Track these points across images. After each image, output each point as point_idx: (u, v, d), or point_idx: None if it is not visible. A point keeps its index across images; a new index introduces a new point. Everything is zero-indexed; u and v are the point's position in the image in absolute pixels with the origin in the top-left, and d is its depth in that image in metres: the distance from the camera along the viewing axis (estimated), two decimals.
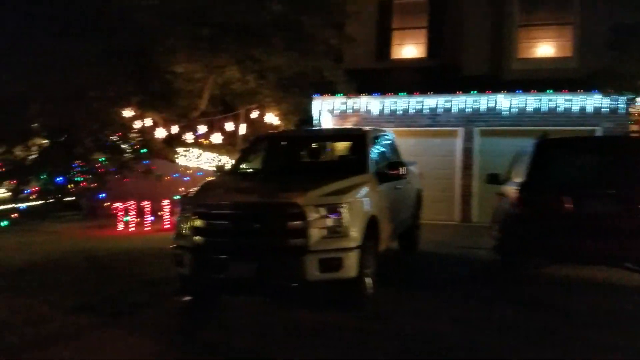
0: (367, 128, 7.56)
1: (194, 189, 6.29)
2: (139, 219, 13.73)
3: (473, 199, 13.75)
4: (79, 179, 11.30)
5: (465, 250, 10.19)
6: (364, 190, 6.02)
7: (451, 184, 13.91)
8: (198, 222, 5.77)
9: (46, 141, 11.12)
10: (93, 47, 9.72)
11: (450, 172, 13.91)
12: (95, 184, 12.14)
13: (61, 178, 10.86)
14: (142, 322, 5.74)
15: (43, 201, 14.36)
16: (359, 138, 7.03)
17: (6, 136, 10.61)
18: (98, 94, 10.20)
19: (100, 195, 12.93)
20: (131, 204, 13.84)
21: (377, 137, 7.40)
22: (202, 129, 12.61)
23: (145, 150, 12.87)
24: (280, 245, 5.44)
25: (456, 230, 13.02)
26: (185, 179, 14.16)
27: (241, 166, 7.30)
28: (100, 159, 12.47)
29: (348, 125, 13.98)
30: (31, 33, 9.90)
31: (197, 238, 5.77)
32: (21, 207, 11.91)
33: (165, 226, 13.46)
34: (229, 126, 12.73)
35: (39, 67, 9.63)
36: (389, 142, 8.15)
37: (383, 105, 14.06)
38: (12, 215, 11.74)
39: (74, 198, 16.06)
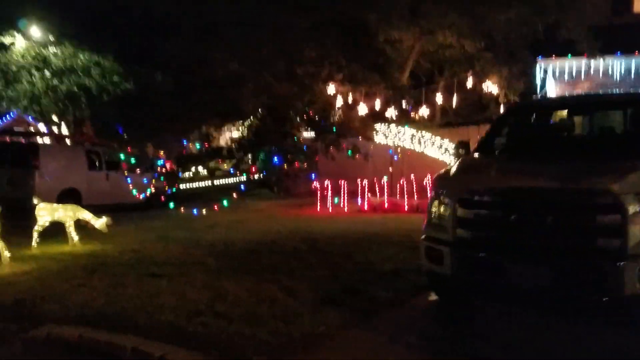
0: None
1: (449, 170, 5.21)
2: (336, 199, 13.38)
3: None
4: (295, 158, 11.17)
5: None
6: None
7: None
8: (463, 212, 4.69)
9: (254, 120, 11.25)
10: (304, 21, 9.31)
11: None
12: (306, 164, 11.97)
13: (277, 158, 10.82)
14: (392, 324, 4.93)
15: (245, 179, 14.91)
16: None
17: (223, 115, 10.89)
18: (308, 70, 9.83)
19: (312, 176, 12.79)
20: (329, 183, 13.55)
21: None
22: (399, 103, 11.69)
23: (334, 129, 12.38)
24: (584, 246, 4.11)
25: None
26: (395, 157, 13.40)
27: (494, 143, 6.02)
28: (294, 137, 12.32)
29: (579, 92, 11.76)
30: (244, 12, 9.84)
31: (460, 231, 4.71)
32: (241, 188, 12.27)
33: (364, 208, 12.93)
34: (438, 98, 11.59)
35: (252, 45, 9.54)
36: None
37: (627, 67, 11.52)
38: (233, 195, 12.15)
39: (261, 176, 16.53)
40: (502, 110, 11.68)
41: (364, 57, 9.82)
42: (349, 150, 12.95)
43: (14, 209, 9.74)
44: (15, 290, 5.84)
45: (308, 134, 12.28)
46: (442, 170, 5.29)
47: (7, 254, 7.16)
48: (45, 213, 8.41)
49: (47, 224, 8.44)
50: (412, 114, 11.32)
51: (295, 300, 5.42)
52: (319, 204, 13.34)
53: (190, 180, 20.39)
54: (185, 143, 13.65)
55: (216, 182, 23.10)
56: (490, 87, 11.00)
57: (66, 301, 5.41)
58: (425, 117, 11.11)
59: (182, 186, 18.35)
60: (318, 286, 5.95)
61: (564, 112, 6.32)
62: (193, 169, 15.24)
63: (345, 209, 13.02)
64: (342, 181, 13.42)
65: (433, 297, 5.61)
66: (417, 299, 5.69)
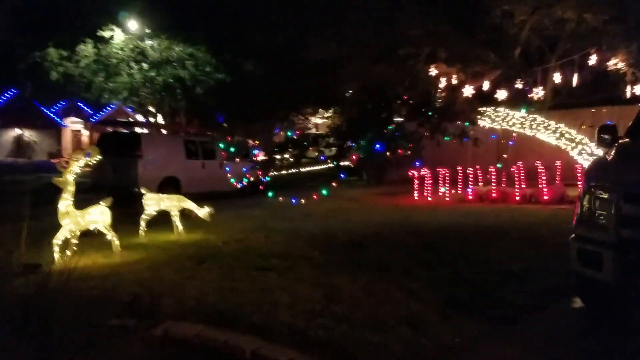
0: None
1: (604, 159, 4.42)
2: (443, 188, 12.53)
3: None
4: (398, 144, 10.57)
5: None
6: None
7: None
8: (630, 208, 3.93)
9: (351, 106, 10.77)
10: None
11: None
12: (410, 152, 11.32)
13: (379, 145, 10.28)
14: (536, 336, 4.32)
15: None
16: None
17: (317, 102, 10.52)
18: (410, 50, 9.15)
19: (417, 163, 12.10)
20: (426, 171, 12.81)
21: None
22: (512, 84, 10.65)
23: (436, 113, 11.53)
24: None
25: None
26: (510, 143, 12.38)
27: None
28: (389, 127, 11.67)
29: None
30: None
31: (627, 231, 3.96)
32: (341, 176, 11.92)
33: (469, 197, 12.07)
34: (550, 78, 10.48)
35: (351, 25, 9.02)
36: None
37: None
38: (333, 184, 11.81)
39: (348, 163, 16.00)
40: (629, 89, 10.35)
41: (475, 33, 8.95)
42: (446, 136, 12.10)
43: (119, 197, 10.03)
44: (129, 280, 5.82)
45: (398, 120, 11.55)
46: (596, 160, 4.51)
47: (118, 243, 7.26)
48: (152, 203, 8.52)
49: (154, 213, 8.54)
50: (528, 95, 10.26)
51: (419, 303, 4.92)
52: (416, 192, 12.65)
53: (280, 168, 20.41)
54: (277, 131, 13.47)
55: (304, 169, 23.03)
56: (613, 63, 9.67)
57: (179, 295, 5.28)
58: (541, 98, 10.02)
59: (272, 174, 18.39)
60: (441, 287, 5.41)
61: None
62: (279, 156, 15.09)
63: (447, 198, 12.24)
64: (441, 169, 12.63)
65: (577, 304, 4.89)
66: (558, 305, 4.99)
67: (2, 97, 34.37)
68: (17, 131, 35.56)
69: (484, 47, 9.36)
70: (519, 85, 10.24)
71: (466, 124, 12.09)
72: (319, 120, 24.41)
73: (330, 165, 17.85)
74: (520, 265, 6.17)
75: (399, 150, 11.16)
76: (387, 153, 11.07)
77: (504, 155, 12.06)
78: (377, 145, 10.39)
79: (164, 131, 16.27)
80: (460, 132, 11.04)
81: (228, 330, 4.43)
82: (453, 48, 9.16)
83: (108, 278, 5.97)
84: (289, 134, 13.25)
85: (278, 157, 13.48)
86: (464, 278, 5.73)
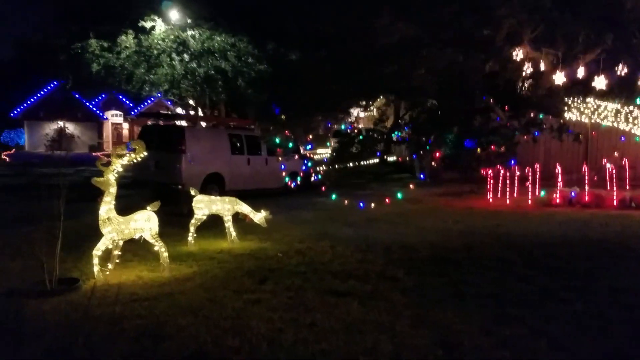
0: None
1: None
2: (543, 192, 11.06)
3: None
4: (491, 140, 9.21)
5: None
6: None
7: None
8: None
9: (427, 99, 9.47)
10: None
11: None
12: (504, 148, 9.92)
13: (468, 141, 8.96)
14: None
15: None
16: None
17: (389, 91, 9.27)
18: (491, 33, 7.79)
19: (511, 162, 10.66)
20: (501, 170, 11.36)
21: None
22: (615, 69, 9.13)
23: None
24: None
25: None
26: (621, 138, 10.84)
27: None
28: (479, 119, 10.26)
29: None
30: None
31: None
32: (421, 177, 10.67)
33: (555, 200, 10.57)
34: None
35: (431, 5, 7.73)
36: None
37: None
38: (410, 186, 10.56)
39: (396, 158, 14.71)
40: None
41: (583, 11, 7.50)
42: (576, 133, 10.66)
43: (161, 194, 9.11)
44: (182, 306, 4.77)
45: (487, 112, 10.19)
46: None
47: (166, 254, 6.23)
48: (203, 205, 7.44)
49: (204, 217, 7.48)
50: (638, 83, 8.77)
51: (571, 356, 3.65)
52: (491, 194, 11.20)
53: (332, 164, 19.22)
54: (329, 124, 12.31)
55: (352, 165, 21.76)
56: None
57: (247, 330, 4.17)
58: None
59: (321, 169, 17.25)
60: (589, 331, 4.12)
61: None
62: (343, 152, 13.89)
63: (529, 200, 10.76)
64: (528, 169, 11.15)
65: None
66: None
67: (44, 89, 34.35)
68: (59, 124, 35.54)
69: (594, 26, 7.89)
70: (621, 71, 8.73)
71: (540, 116, 10.67)
72: (362, 114, 23.10)
73: (377, 160, 16.62)
74: None
75: (492, 147, 9.75)
76: (478, 150, 9.68)
77: (616, 154, 10.51)
78: (466, 141, 9.06)
79: (203, 124, 15.31)
80: (559, 126, 9.55)
81: None
82: (557, 30, 7.74)
83: (157, 301, 4.93)
84: (342, 127, 12.07)
85: (338, 152, 12.34)
86: (611, 317, 4.41)
